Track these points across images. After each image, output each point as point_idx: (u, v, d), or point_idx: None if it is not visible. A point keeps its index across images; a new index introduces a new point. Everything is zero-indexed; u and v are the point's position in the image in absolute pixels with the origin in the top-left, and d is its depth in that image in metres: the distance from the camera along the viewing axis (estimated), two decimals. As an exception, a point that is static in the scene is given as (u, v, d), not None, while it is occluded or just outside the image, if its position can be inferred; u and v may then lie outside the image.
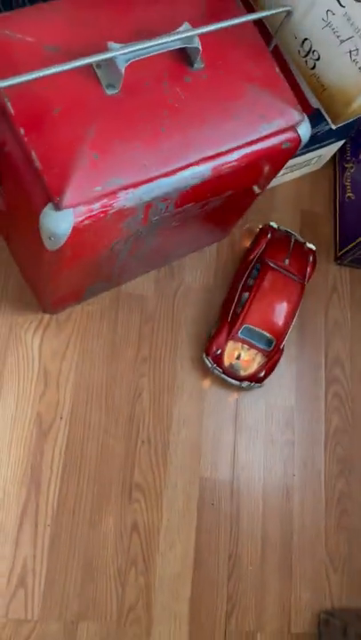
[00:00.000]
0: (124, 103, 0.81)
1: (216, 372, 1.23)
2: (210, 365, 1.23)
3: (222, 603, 1.14)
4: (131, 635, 1.07)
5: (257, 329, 1.22)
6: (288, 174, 1.45)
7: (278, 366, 1.26)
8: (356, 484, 1.30)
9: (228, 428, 1.26)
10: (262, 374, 1.24)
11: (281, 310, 1.25)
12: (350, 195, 1.42)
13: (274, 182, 1.46)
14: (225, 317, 1.25)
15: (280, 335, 1.24)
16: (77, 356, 1.20)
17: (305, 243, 1.34)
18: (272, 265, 1.26)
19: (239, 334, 1.22)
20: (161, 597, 1.10)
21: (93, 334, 1.22)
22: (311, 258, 1.32)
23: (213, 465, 1.22)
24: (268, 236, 1.32)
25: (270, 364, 1.24)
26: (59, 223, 0.77)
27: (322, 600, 1.20)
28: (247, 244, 1.38)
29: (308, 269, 1.30)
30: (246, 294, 1.24)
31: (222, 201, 1.03)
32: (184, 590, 1.12)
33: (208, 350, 1.23)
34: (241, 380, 1.23)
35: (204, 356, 1.24)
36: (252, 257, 1.29)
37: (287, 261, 1.28)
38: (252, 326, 1.22)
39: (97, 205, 0.79)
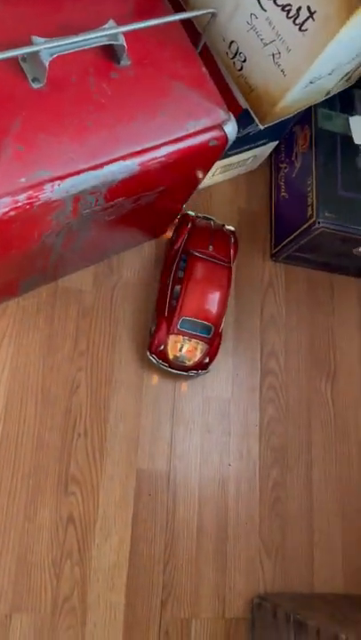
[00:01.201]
0: (51, 97, 0.82)
1: (163, 367, 1.25)
2: (155, 362, 1.25)
3: (158, 591, 1.16)
4: (65, 625, 1.08)
5: (194, 319, 1.26)
6: (225, 173, 1.48)
7: (216, 359, 1.30)
8: (289, 472, 1.35)
9: (166, 420, 1.28)
10: (207, 360, 1.28)
11: (214, 297, 1.28)
12: (284, 194, 1.47)
13: (211, 181, 1.50)
14: (162, 312, 1.27)
15: (217, 321, 1.27)
16: (12, 351, 1.20)
17: (223, 225, 1.39)
18: (197, 254, 1.30)
19: (178, 327, 1.25)
20: (96, 588, 1.12)
21: (29, 328, 1.22)
22: (233, 239, 1.36)
23: (150, 456, 1.24)
24: (189, 225, 1.35)
25: (213, 349, 1.28)
26: (-18, 213, 0.77)
27: (256, 586, 1.24)
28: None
29: (232, 251, 1.34)
30: (178, 287, 1.27)
31: (155, 196, 1.06)
32: (120, 580, 1.14)
33: (151, 347, 1.25)
34: (187, 370, 1.26)
35: (148, 354, 1.26)
36: (176, 247, 1.33)
37: (211, 248, 1.31)
38: (189, 317, 1.25)
39: (22, 197, 0.79)
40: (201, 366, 1.27)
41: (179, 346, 1.25)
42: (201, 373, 1.29)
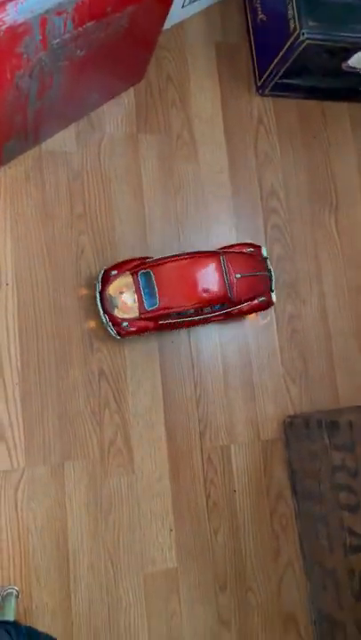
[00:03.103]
0: None
1: (96, 285, 1.15)
2: (97, 279, 1.15)
3: (195, 425, 1.23)
4: (115, 464, 1.15)
5: (154, 282, 1.14)
6: (194, 3, 1.36)
7: (212, 207, 1.27)
8: (303, 305, 1.38)
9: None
10: (125, 326, 1.14)
11: (188, 291, 1.17)
12: (262, 17, 1.36)
13: (182, 16, 1.38)
14: (142, 258, 1.19)
15: (168, 307, 1.15)
16: (10, 222, 1.17)
17: (273, 291, 1.27)
18: (221, 261, 1.21)
19: (138, 274, 1.15)
20: (137, 429, 1.18)
21: (22, 197, 1.19)
22: (262, 299, 1.25)
23: (167, 307, 1.26)
24: (249, 250, 1.27)
25: (139, 324, 1.15)
26: None
27: (285, 409, 1.31)
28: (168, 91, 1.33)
29: (251, 303, 1.23)
30: (177, 254, 1.19)
31: (127, 23, 0.98)
32: (158, 420, 1.20)
33: (108, 269, 1.16)
34: (105, 313, 1.14)
35: (102, 269, 1.16)
36: (218, 249, 1.24)
37: (239, 276, 1.21)
38: (152, 275, 1.14)
39: (-14, 21, 0.73)
40: (117, 324, 1.14)
41: (124, 290, 1.14)
42: (110, 329, 1.15)
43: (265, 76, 1.37)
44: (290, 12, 1.22)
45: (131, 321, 1.14)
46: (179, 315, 1.17)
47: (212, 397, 1.25)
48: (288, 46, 1.24)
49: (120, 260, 1.20)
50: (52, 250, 1.20)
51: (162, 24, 1.12)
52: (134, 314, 1.15)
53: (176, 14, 1.33)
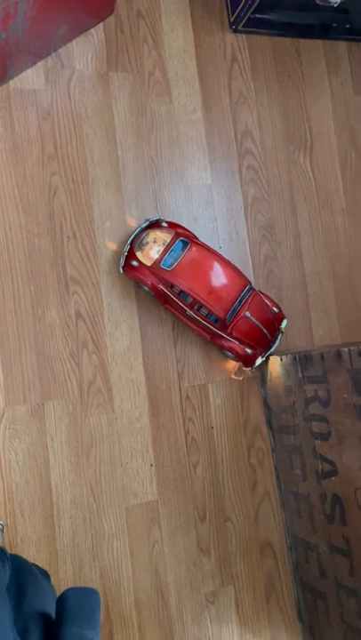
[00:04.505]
0: None
1: (142, 224, 1.21)
2: (149, 219, 1.21)
3: (173, 364, 1.25)
4: (95, 404, 1.18)
5: (181, 256, 1.16)
6: None
7: (186, 148, 1.26)
8: (278, 246, 1.39)
9: (151, 213, 1.28)
10: (131, 268, 1.17)
11: (199, 281, 1.17)
12: None
13: None
14: (190, 232, 1.22)
15: (174, 277, 1.15)
16: (-20, 162, 1.15)
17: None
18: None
19: (179, 238, 1.18)
20: (116, 370, 1.20)
21: (-9, 136, 1.16)
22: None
23: (142, 249, 1.26)
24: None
25: (144, 273, 1.17)
26: None
27: (261, 349, 1.33)
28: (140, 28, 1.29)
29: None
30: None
31: None
32: (137, 360, 1.22)
33: (162, 220, 1.20)
34: (130, 244, 1.19)
35: (158, 216, 1.21)
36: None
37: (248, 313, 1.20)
38: (186, 249, 1.17)
39: None
40: (127, 261, 1.18)
41: (158, 241, 1.18)
42: (120, 260, 1.19)
43: (237, 11, 1.34)
44: None
45: (140, 265, 1.17)
46: (177, 294, 1.16)
47: (190, 337, 1.27)
48: (261, -24, 1.21)
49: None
50: (23, 192, 1.18)
51: None
52: (148, 263, 1.17)
53: None
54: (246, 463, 1.28)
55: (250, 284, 1.21)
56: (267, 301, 1.26)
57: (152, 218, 1.23)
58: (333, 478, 1.03)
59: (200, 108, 1.35)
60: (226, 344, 1.20)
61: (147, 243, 1.18)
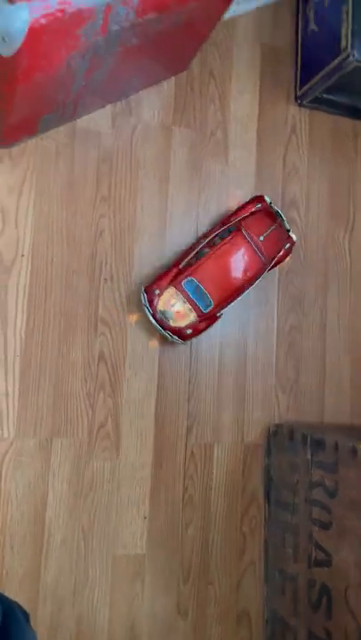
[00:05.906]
0: None
1: (146, 310, 1.19)
2: (143, 301, 1.19)
3: (183, 419, 1.26)
4: (102, 447, 1.18)
5: (201, 286, 1.20)
6: (248, 2, 1.35)
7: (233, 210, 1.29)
8: (304, 318, 1.40)
9: (188, 267, 1.30)
10: (188, 332, 1.20)
11: (232, 279, 1.22)
12: (314, 27, 1.36)
13: (234, 12, 1.37)
14: (177, 262, 1.21)
15: (220, 302, 1.21)
16: (35, 194, 1.17)
17: (289, 230, 1.30)
18: (245, 234, 1.23)
19: (182, 284, 1.19)
20: (128, 416, 1.21)
21: (49, 172, 1.19)
22: (288, 245, 1.30)
23: (174, 301, 1.28)
24: (257, 206, 1.27)
25: (200, 326, 1.21)
26: (13, 19, 0.71)
27: (271, 416, 1.34)
28: (209, 86, 1.33)
29: (280, 254, 1.29)
30: (207, 250, 1.21)
31: (184, 16, 0.97)
32: (149, 410, 1.23)
33: (148, 287, 1.19)
34: (166, 328, 1.19)
35: (142, 289, 1.19)
36: (232, 218, 1.25)
37: (262, 238, 1.25)
38: (197, 281, 1.20)
39: (54, 2, 0.73)
40: (180, 334, 1.20)
41: (173, 301, 1.19)
42: (175, 340, 1.21)
43: (306, 88, 1.37)
44: (343, 29, 1.22)
45: (191, 325, 1.20)
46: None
47: (204, 395, 1.28)
48: (336, 64, 1.24)
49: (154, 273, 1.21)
50: (71, 228, 1.20)
51: (218, 20, 1.11)
52: (190, 319, 1.20)
53: (230, 9, 1.32)
54: (238, 530, 1.28)
55: (240, 228, 1.25)
56: (248, 212, 1.27)
57: (142, 297, 1.20)
58: (326, 569, 1.03)
59: (253, 173, 1.38)
60: (277, 262, 1.31)
61: (168, 311, 1.19)
